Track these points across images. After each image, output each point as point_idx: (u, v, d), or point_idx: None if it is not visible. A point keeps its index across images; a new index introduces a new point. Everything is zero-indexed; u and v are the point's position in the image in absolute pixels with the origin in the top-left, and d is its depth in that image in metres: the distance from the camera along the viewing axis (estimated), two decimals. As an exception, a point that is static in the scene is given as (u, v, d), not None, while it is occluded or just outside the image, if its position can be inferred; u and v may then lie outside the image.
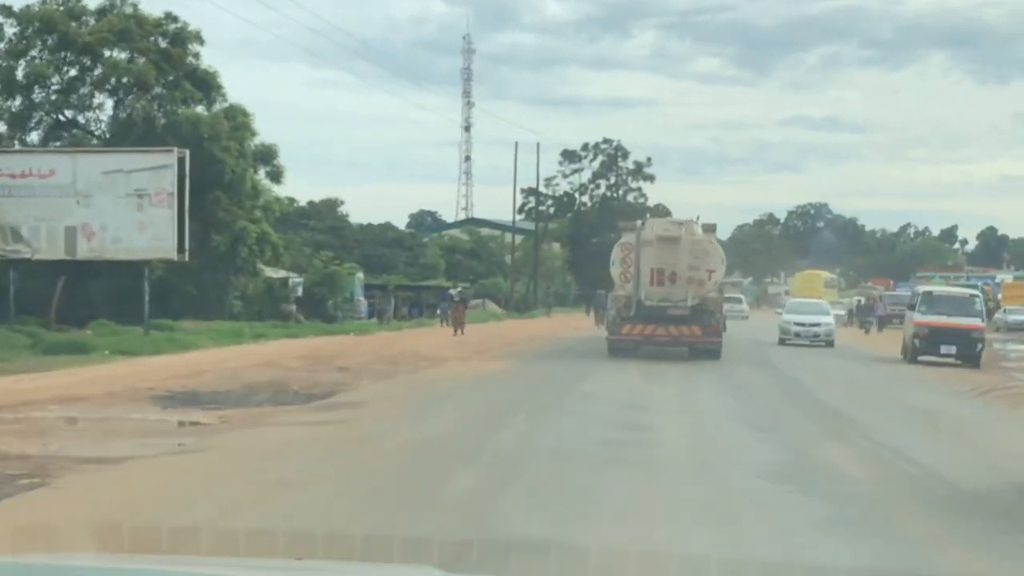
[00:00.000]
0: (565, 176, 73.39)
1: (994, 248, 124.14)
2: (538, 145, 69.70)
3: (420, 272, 58.85)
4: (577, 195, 74.24)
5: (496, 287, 62.95)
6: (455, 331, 32.65)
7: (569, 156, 73.44)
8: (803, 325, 33.36)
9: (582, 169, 73.78)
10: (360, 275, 44.38)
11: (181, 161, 26.51)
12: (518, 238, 66.72)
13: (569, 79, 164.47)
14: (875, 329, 45.28)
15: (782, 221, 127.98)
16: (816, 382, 20.35)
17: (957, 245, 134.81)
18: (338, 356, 22.45)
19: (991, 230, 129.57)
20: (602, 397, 15.89)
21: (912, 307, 25.62)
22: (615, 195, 74.31)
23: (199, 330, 29.22)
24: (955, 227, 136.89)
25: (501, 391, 16.66)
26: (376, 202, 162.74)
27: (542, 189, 69.92)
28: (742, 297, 59.61)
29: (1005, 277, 75.59)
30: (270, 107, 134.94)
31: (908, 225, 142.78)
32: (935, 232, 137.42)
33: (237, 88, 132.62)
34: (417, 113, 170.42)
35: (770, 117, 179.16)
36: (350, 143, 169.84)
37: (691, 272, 24.53)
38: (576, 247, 72.02)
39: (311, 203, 63.08)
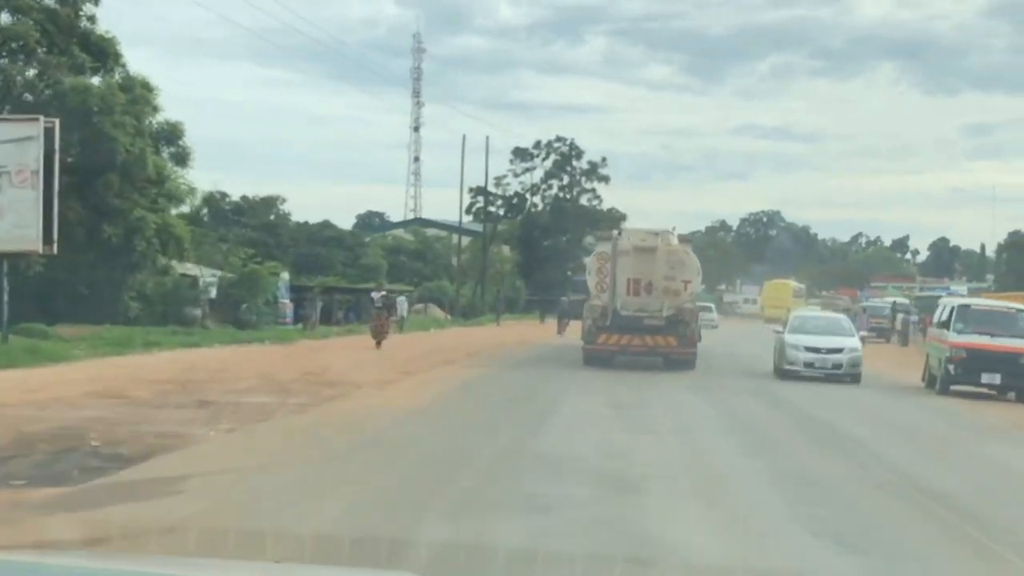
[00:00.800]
0: (516, 175, 69.56)
1: (946, 259, 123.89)
2: (487, 139, 65.84)
3: (361, 274, 54.68)
4: (528, 195, 70.27)
5: (441, 290, 58.84)
6: (377, 344, 27.97)
7: (521, 154, 69.44)
8: (818, 351, 23.35)
9: (534, 168, 69.92)
10: (285, 275, 39.60)
11: (49, 132, 21.67)
12: (466, 239, 62.55)
13: (522, 83, 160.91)
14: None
15: (734, 228, 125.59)
16: (855, 427, 15.32)
17: (909, 255, 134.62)
18: (215, 379, 17.55)
19: (943, 241, 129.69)
20: (571, 464, 10.61)
21: (944, 324, 20.94)
22: (568, 196, 70.27)
23: (80, 337, 24.72)
24: (907, 237, 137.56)
25: (418, 452, 11.26)
26: (323, 201, 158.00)
27: (492, 189, 65.65)
28: (712, 306, 56.24)
29: (959, 288, 73.22)
30: (218, 104, 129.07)
31: (860, 234, 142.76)
32: (887, 242, 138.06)
33: (183, 85, 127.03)
34: (368, 114, 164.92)
35: (721, 125, 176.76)
36: (298, 142, 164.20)
37: (667, 282, 24.44)
38: (527, 250, 68.21)
39: (244, 198, 58.51)
